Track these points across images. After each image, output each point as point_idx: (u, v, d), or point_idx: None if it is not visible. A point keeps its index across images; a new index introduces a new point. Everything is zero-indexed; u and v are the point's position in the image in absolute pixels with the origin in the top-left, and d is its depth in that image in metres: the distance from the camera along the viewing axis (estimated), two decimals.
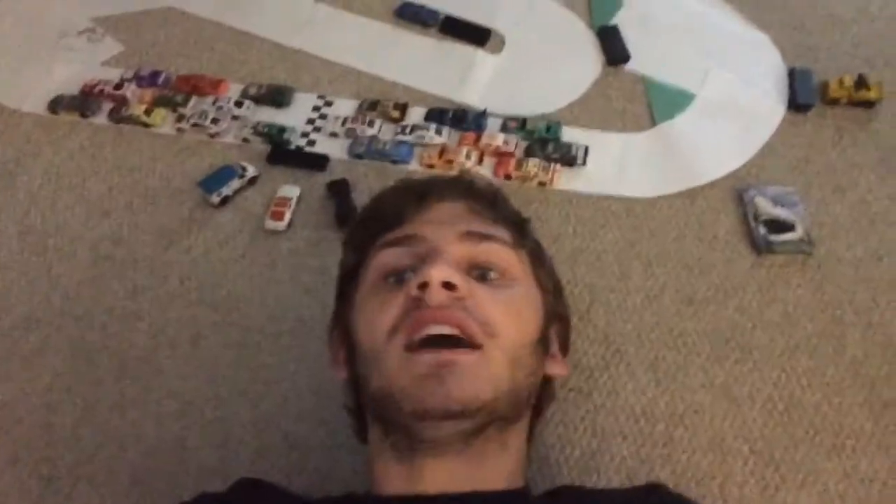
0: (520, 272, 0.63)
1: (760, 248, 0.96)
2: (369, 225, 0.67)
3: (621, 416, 0.83)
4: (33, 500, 0.79)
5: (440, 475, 0.56)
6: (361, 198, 1.02)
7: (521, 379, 0.58)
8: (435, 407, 0.53)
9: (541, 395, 0.66)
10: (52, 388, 0.87)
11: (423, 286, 0.55)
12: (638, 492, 0.65)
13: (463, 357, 0.54)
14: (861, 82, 1.09)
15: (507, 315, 0.58)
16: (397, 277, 0.60)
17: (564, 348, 0.70)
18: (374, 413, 0.61)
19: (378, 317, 0.58)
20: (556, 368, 0.66)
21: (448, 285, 0.55)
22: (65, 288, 0.95)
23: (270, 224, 0.99)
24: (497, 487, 0.58)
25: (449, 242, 0.60)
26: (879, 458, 0.79)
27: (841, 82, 1.10)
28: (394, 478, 0.58)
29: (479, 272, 0.60)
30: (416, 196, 0.66)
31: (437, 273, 0.55)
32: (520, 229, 0.68)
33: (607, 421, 0.83)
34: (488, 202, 0.67)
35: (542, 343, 0.63)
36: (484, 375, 0.54)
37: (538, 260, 0.68)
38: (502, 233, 0.64)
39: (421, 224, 0.63)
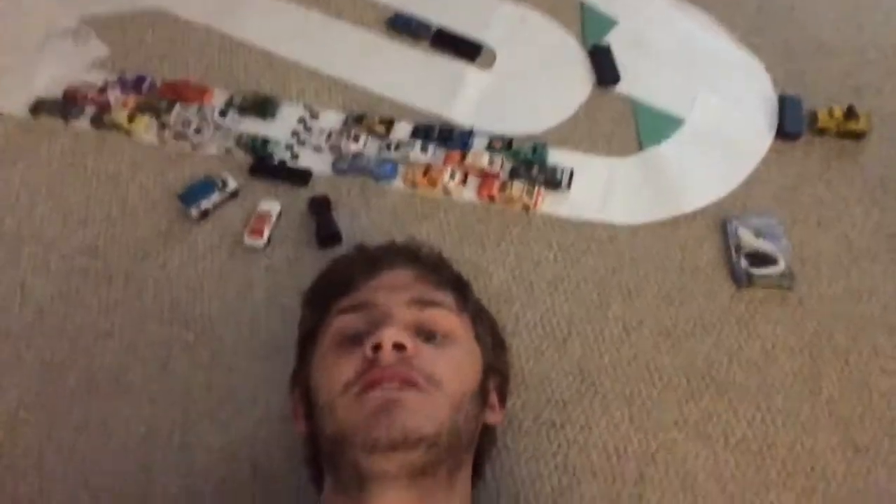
0: (461, 334, 0.70)
1: (741, 281, 0.95)
2: (324, 290, 0.76)
3: (593, 453, 0.82)
4: None
5: None
6: (343, 216, 1.02)
7: (462, 423, 0.63)
8: (382, 437, 0.58)
9: (482, 443, 0.72)
10: (19, 404, 0.86)
11: (377, 348, 0.62)
12: None
13: (408, 395, 0.60)
14: (851, 113, 1.08)
15: (450, 369, 0.64)
16: (353, 340, 0.66)
17: (502, 399, 0.76)
18: (327, 458, 0.65)
19: (335, 373, 0.64)
20: (492, 417, 0.72)
21: (398, 346, 0.62)
22: (37, 301, 0.94)
23: (249, 241, 0.98)
24: None
25: (398, 308, 0.67)
26: None
27: (830, 113, 1.09)
28: None
29: (425, 334, 0.67)
30: (367, 264, 0.74)
31: (389, 336, 0.62)
32: (462, 293, 0.75)
33: (579, 457, 0.82)
34: (433, 268, 0.75)
35: (481, 394, 0.69)
36: (427, 412, 0.60)
37: (479, 320, 0.75)
38: (446, 297, 0.71)
39: (372, 291, 0.70)
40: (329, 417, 0.62)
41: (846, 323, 0.92)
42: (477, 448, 0.71)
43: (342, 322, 0.68)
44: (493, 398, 0.73)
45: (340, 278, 0.74)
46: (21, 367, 0.89)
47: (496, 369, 0.75)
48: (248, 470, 0.82)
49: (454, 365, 0.65)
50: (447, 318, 0.69)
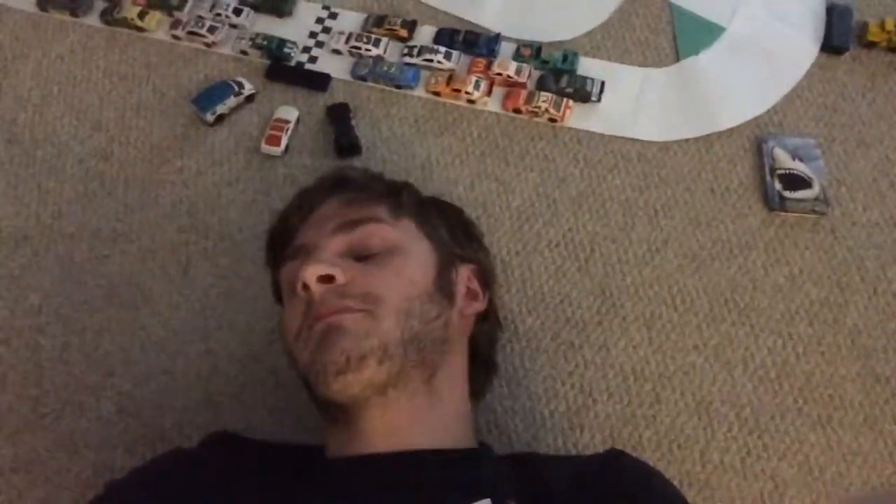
0: (402, 240, 0.67)
1: (773, 204, 0.92)
2: (272, 245, 0.75)
3: (610, 373, 0.82)
4: (20, 421, 0.80)
5: (380, 432, 0.60)
6: (363, 125, 0.98)
7: (418, 326, 0.61)
8: (327, 362, 0.58)
9: (478, 332, 0.71)
10: (40, 308, 0.86)
11: (305, 288, 0.60)
12: (598, 459, 0.65)
13: (345, 317, 0.59)
14: None
15: (390, 282, 0.62)
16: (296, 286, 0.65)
17: (485, 285, 0.74)
18: (308, 397, 0.66)
19: (288, 323, 0.64)
20: (476, 306, 0.71)
21: (323, 278, 0.60)
22: (55, 204, 0.93)
23: (266, 149, 0.95)
24: (446, 446, 0.61)
25: (325, 239, 0.65)
26: (864, 433, 0.79)
27: (882, 25, 1.02)
28: (341, 442, 0.62)
29: (361, 254, 0.65)
30: (300, 207, 0.72)
31: (309, 273, 0.60)
32: (396, 199, 0.71)
33: (596, 377, 0.82)
34: (361, 187, 0.72)
35: (441, 290, 0.66)
36: (367, 329, 0.59)
37: (425, 217, 0.72)
38: (377, 210, 0.68)
39: (305, 232, 0.68)
40: (294, 363, 0.64)
41: (878, 251, 0.89)
42: (475, 337, 0.71)
43: (287, 271, 0.67)
44: (475, 285, 0.71)
45: (281, 228, 0.73)
46: (41, 270, 0.89)
47: (464, 258, 0.72)
48: (268, 376, 0.83)
49: (395, 275, 0.63)
50: (380, 231, 0.66)
